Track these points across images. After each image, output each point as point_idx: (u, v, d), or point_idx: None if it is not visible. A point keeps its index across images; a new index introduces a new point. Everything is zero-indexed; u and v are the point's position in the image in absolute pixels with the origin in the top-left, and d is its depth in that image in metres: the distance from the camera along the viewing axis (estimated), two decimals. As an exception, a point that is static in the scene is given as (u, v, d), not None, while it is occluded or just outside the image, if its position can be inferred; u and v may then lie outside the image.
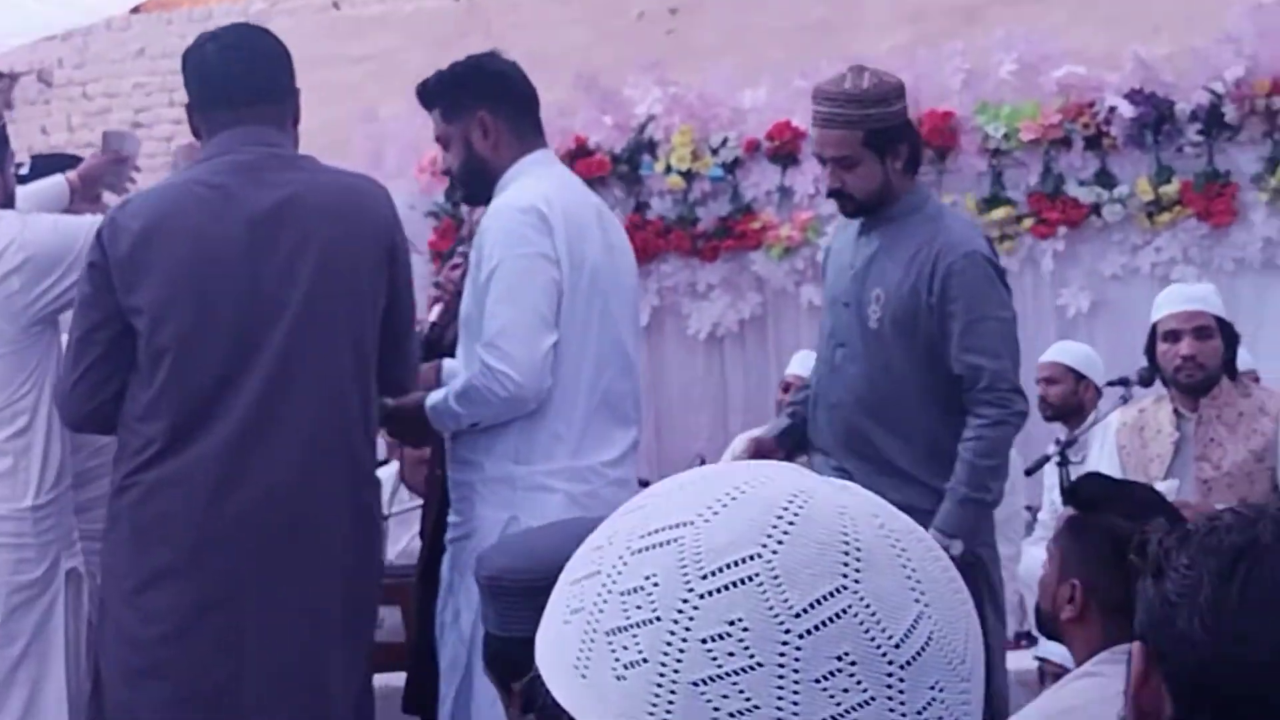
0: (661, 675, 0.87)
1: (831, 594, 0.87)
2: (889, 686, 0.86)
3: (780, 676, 0.86)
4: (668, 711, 0.87)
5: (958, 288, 3.89)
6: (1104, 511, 2.83)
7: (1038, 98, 6.98)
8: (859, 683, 0.86)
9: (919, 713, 0.87)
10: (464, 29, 8.92)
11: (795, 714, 0.85)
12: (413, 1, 9.13)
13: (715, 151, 7.24)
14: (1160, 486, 4.01)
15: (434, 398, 3.69)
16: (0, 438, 3.71)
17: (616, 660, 0.89)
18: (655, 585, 0.89)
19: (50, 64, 9.79)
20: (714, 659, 0.86)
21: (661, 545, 0.90)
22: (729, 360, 7.41)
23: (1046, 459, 5.37)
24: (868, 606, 0.87)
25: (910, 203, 4.03)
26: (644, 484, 5.70)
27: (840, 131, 3.94)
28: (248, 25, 3.67)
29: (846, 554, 0.88)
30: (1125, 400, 4.99)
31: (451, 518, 3.73)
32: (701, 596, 0.87)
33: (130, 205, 3.49)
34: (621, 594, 0.90)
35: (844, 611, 0.87)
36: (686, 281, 7.37)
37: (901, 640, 0.87)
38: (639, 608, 0.89)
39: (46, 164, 4.65)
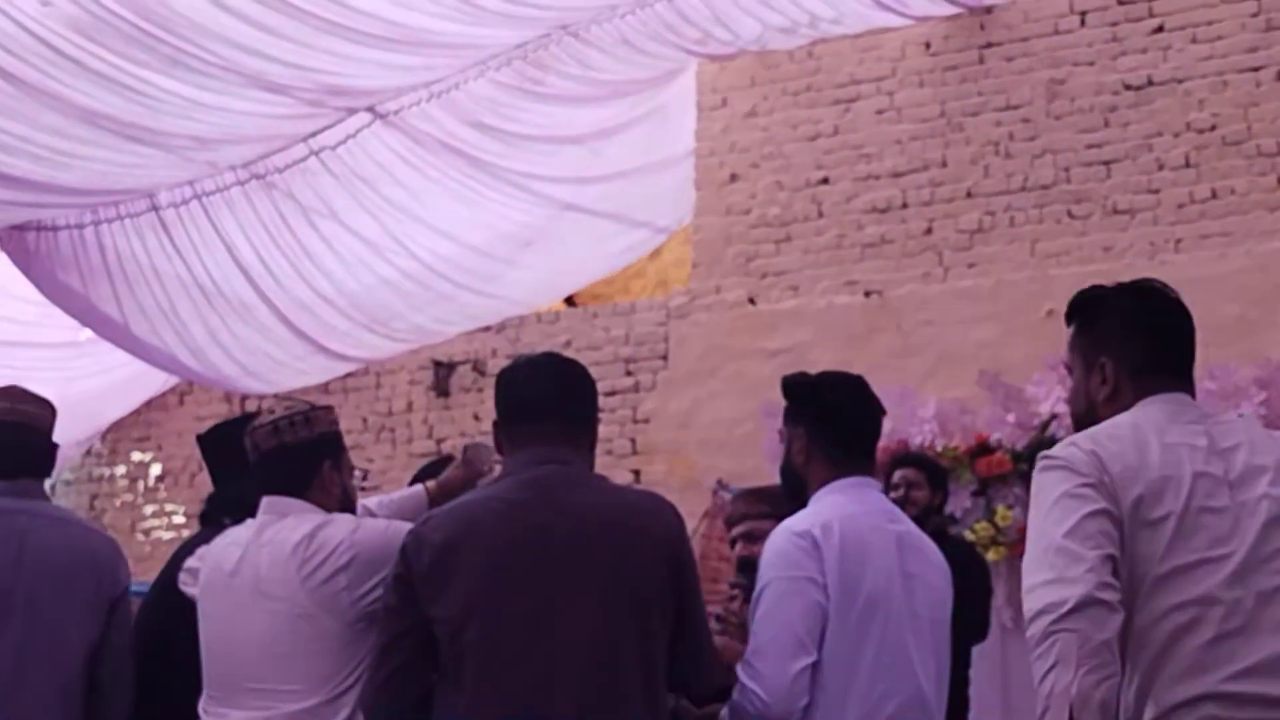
0: None
1: None
2: None
3: None
4: None
5: None
6: None
7: None
8: None
9: None
10: (874, 325, 9.09)
11: None
12: (825, 297, 9.34)
13: (1121, 450, 7.16)
14: None
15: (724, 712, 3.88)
16: None
17: None
18: None
19: (485, 354, 10.31)
20: None
21: None
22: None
23: None
24: None
25: None
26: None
27: None
28: (559, 355, 3.98)
29: None
30: None
31: None
32: None
33: (432, 520, 3.69)
34: None
35: None
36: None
37: None
38: None
39: (429, 468, 4.95)
